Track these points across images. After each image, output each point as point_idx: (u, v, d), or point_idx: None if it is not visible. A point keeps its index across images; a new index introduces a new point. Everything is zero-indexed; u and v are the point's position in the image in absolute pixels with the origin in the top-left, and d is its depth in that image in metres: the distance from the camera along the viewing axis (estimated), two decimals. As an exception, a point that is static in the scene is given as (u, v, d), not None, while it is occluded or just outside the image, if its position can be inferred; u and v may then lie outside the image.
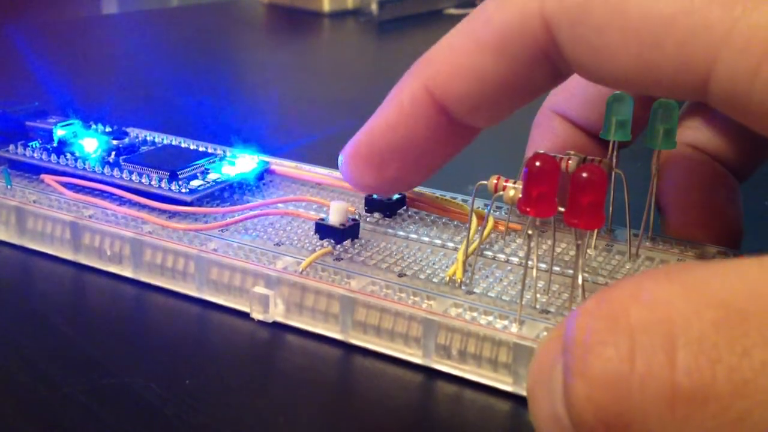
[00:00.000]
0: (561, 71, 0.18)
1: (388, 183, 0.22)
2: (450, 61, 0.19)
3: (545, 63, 0.18)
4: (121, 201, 0.26)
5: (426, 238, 0.24)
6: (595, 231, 0.24)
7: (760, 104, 0.14)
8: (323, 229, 0.23)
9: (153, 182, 0.26)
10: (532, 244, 0.21)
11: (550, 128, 0.26)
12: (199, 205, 0.26)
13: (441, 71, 0.19)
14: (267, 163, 0.29)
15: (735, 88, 0.15)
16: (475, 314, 0.20)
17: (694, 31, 0.15)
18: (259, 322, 0.22)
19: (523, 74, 0.18)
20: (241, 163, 0.28)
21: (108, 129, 0.31)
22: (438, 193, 0.27)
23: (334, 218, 0.23)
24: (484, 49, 0.18)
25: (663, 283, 0.12)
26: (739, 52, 0.14)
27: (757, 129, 0.15)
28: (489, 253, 0.24)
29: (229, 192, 0.27)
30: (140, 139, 0.31)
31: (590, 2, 0.16)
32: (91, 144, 0.29)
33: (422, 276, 0.22)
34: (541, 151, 0.19)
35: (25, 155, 0.29)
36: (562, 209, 0.19)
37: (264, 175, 0.29)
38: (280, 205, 0.26)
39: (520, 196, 0.19)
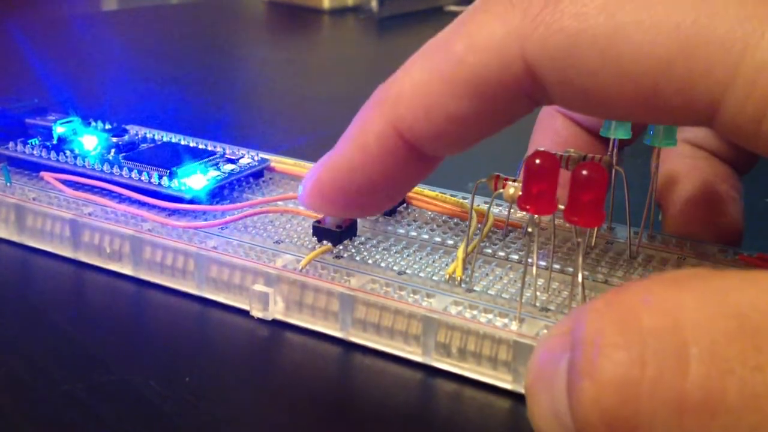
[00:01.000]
0: (542, 103, 0.18)
1: (350, 213, 0.22)
2: (420, 101, 0.18)
3: (525, 100, 0.17)
4: (121, 198, 0.26)
5: (426, 236, 0.24)
6: (595, 228, 0.24)
7: (767, 143, 0.14)
8: (320, 232, 0.23)
9: (152, 180, 0.26)
10: (532, 241, 0.20)
11: (553, 126, 0.26)
12: (199, 203, 0.26)
13: (410, 112, 0.18)
14: (267, 160, 0.29)
15: (740, 131, 0.14)
16: (474, 312, 0.20)
17: (694, 76, 0.14)
18: (259, 319, 0.22)
19: (501, 112, 0.18)
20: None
21: (108, 126, 0.31)
22: (438, 190, 0.27)
23: (330, 219, 0.23)
24: (459, 92, 0.17)
25: (674, 290, 0.12)
26: (744, 96, 0.14)
27: (764, 155, 0.15)
28: (489, 251, 0.24)
29: (228, 189, 0.27)
30: (140, 136, 0.31)
31: (577, 45, 0.15)
32: (90, 141, 0.29)
33: (422, 274, 0.22)
34: (541, 149, 0.19)
35: (24, 152, 0.29)
36: (562, 207, 0.19)
37: (263, 172, 0.29)
38: (279, 202, 0.26)
39: (520, 193, 0.19)
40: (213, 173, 0.27)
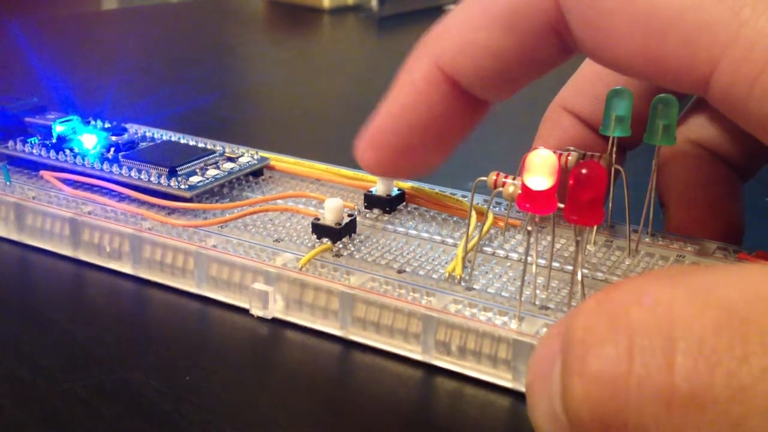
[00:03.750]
0: (570, 48, 0.18)
1: (408, 166, 0.21)
2: (459, 36, 0.19)
3: (555, 39, 0.18)
4: (121, 197, 0.26)
5: (425, 234, 0.24)
6: (595, 227, 0.24)
7: (757, 111, 0.14)
8: (320, 229, 0.23)
9: (152, 178, 0.26)
10: (532, 240, 0.20)
11: (558, 124, 0.26)
12: (199, 202, 0.26)
13: (451, 47, 0.19)
14: (266, 159, 0.29)
15: (734, 92, 0.15)
16: (474, 310, 0.20)
17: (700, 29, 0.15)
18: (259, 318, 0.22)
19: (534, 49, 0.18)
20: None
21: (107, 125, 0.31)
22: (437, 188, 0.27)
23: (329, 217, 0.23)
24: (494, 24, 0.18)
25: (665, 285, 0.12)
26: (741, 57, 0.14)
27: (753, 133, 0.15)
28: (488, 249, 0.24)
29: (228, 188, 0.27)
30: (139, 135, 0.31)
31: None
32: (90, 140, 0.29)
33: (422, 272, 0.22)
34: (541, 147, 0.19)
35: (24, 151, 0.29)
36: (561, 205, 0.19)
37: (263, 171, 0.29)
38: (279, 201, 0.26)
39: (520, 192, 0.19)
40: (212, 172, 0.27)
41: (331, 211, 0.23)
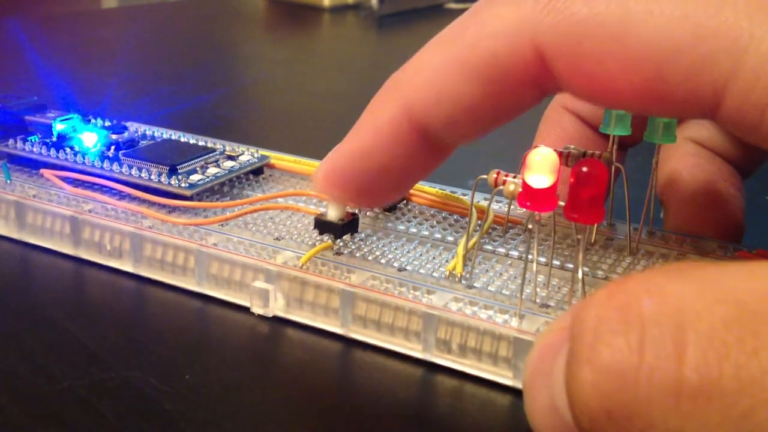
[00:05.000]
0: (550, 92, 0.18)
1: (364, 203, 0.22)
2: (432, 87, 0.18)
3: (535, 88, 0.17)
4: (121, 195, 0.26)
5: (426, 233, 0.24)
6: (595, 225, 0.24)
7: None
8: (322, 225, 0.24)
9: (152, 177, 0.26)
10: (532, 238, 0.20)
11: (559, 123, 0.26)
12: (199, 200, 0.26)
13: (422, 97, 0.18)
14: (267, 157, 0.29)
15: (744, 119, 0.14)
16: (475, 308, 0.20)
17: (700, 65, 0.14)
18: (260, 316, 0.22)
19: (511, 99, 0.18)
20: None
21: (107, 123, 0.31)
22: (438, 187, 0.27)
23: (332, 213, 0.23)
24: (470, 77, 0.17)
25: (676, 278, 0.12)
26: (748, 86, 0.14)
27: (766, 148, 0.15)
28: (489, 248, 0.24)
29: (228, 186, 0.27)
30: (139, 133, 0.31)
31: (587, 30, 0.16)
32: (90, 138, 0.29)
33: (422, 270, 0.22)
34: (541, 146, 0.19)
35: (24, 150, 0.29)
36: (562, 203, 0.19)
37: (263, 169, 0.29)
38: (280, 199, 0.26)
39: (520, 190, 0.19)
40: (213, 170, 0.27)
41: (334, 207, 0.23)
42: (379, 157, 0.19)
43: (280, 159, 0.29)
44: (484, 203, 0.25)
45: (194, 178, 0.26)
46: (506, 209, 0.25)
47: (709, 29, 0.14)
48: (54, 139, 0.29)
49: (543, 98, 0.18)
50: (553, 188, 0.19)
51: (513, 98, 0.18)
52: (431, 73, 0.18)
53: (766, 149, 0.15)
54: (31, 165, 0.28)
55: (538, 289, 0.21)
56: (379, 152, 0.19)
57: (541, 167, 0.18)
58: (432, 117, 0.18)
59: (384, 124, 0.19)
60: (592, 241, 0.24)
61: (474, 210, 0.23)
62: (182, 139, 0.30)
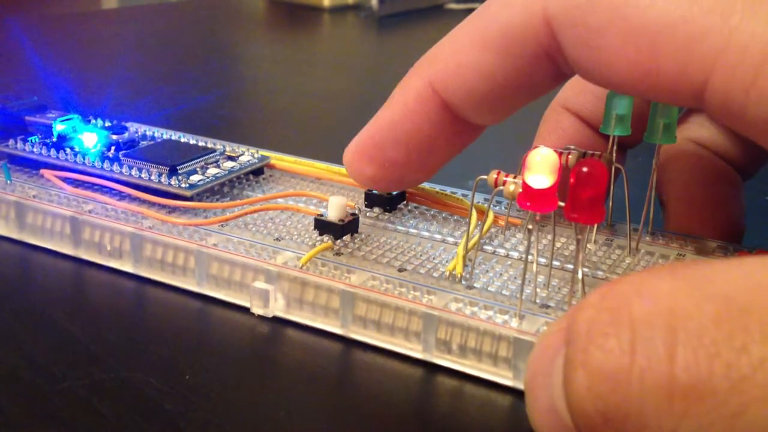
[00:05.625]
0: (563, 71, 0.18)
1: (391, 179, 0.22)
2: (454, 58, 0.19)
3: (548, 62, 0.18)
4: (121, 196, 0.26)
5: (426, 233, 0.24)
6: (595, 226, 0.24)
7: (755, 116, 0.14)
8: (322, 225, 0.24)
9: (153, 177, 0.26)
10: (532, 238, 0.20)
11: (559, 123, 0.26)
12: (199, 200, 0.26)
13: (445, 68, 0.19)
14: (267, 157, 0.29)
15: (730, 99, 0.15)
16: (475, 309, 0.20)
17: (691, 40, 0.15)
18: (260, 316, 0.22)
19: (526, 73, 0.18)
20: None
21: (107, 124, 0.31)
22: (438, 187, 0.27)
23: (332, 214, 0.23)
24: (488, 47, 0.18)
25: (666, 279, 0.12)
26: (735, 62, 0.14)
27: (753, 139, 0.15)
28: (489, 248, 0.24)
29: (229, 187, 0.27)
30: (140, 133, 0.31)
31: (592, 4, 0.16)
32: (90, 139, 0.29)
33: (422, 271, 0.22)
34: (541, 146, 0.19)
35: (24, 150, 0.29)
36: (562, 204, 0.19)
37: (264, 169, 0.29)
38: (280, 200, 0.26)
39: (520, 190, 0.19)
40: (213, 170, 0.27)
41: (334, 208, 0.23)
42: (407, 129, 0.20)
43: (280, 159, 0.29)
44: (484, 204, 0.25)
45: (194, 178, 0.26)
46: (506, 210, 0.25)
47: (702, 8, 0.15)
48: (54, 139, 0.29)
49: (557, 79, 0.19)
50: (553, 189, 0.19)
51: (528, 70, 0.18)
52: (454, 44, 0.19)
53: (759, 144, 0.15)
54: (32, 165, 0.28)
55: (538, 290, 0.21)
56: (407, 125, 0.20)
57: (541, 168, 0.18)
58: (453, 88, 0.19)
59: (411, 97, 0.20)
60: (593, 241, 0.24)
61: (474, 210, 0.23)
62: (182, 140, 0.30)
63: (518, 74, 0.18)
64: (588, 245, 0.24)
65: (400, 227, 0.25)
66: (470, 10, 0.20)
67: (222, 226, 0.25)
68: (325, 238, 0.23)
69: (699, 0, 0.15)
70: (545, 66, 0.18)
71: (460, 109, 0.20)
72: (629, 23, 0.16)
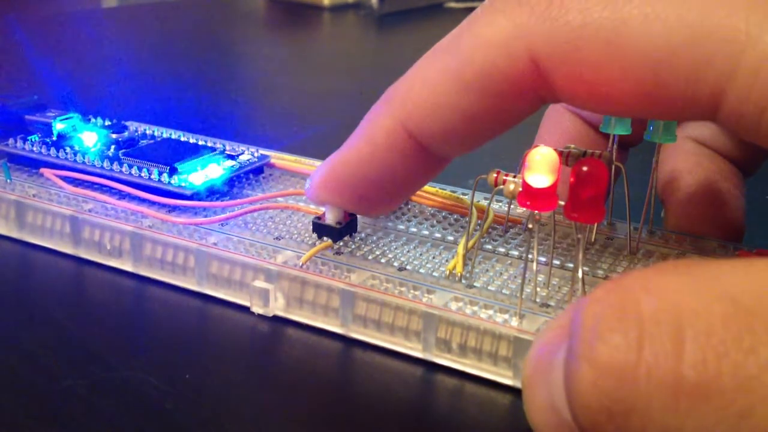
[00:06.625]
0: (548, 101, 0.18)
1: (356, 209, 0.22)
2: (428, 99, 0.18)
3: (532, 97, 0.17)
4: (121, 195, 0.26)
5: (426, 232, 0.24)
6: (595, 224, 0.24)
7: None
8: (320, 228, 0.23)
9: (153, 176, 0.26)
10: (532, 237, 0.20)
11: (559, 123, 0.26)
12: (199, 199, 0.26)
13: (419, 109, 0.18)
14: (267, 156, 0.29)
15: (744, 119, 0.15)
16: (475, 308, 0.20)
17: (698, 68, 0.14)
18: (260, 316, 0.22)
19: (508, 109, 0.18)
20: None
21: (107, 123, 0.31)
22: (438, 186, 0.27)
23: (330, 217, 0.23)
24: (466, 88, 0.17)
25: (673, 276, 0.12)
26: (747, 86, 0.14)
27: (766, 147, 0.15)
28: (489, 247, 0.24)
29: (228, 186, 0.27)
30: (139, 132, 0.31)
31: (581, 38, 0.16)
32: (90, 138, 0.29)
33: (422, 270, 0.22)
34: (542, 145, 0.19)
35: (24, 149, 0.29)
36: (562, 203, 0.19)
37: (263, 168, 0.29)
38: (280, 199, 0.26)
39: (521, 189, 0.19)
40: (213, 169, 0.27)
41: (331, 210, 0.23)
42: (375, 166, 0.20)
43: (280, 158, 0.29)
44: (484, 203, 0.25)
45: (194, 177, 0.26)
46: (506, 209, 0.25)
47: (705, 31, 0.14)
48: (54, 138, 0.29)
49: (541, 106, 0.18)
50: (553, 188, 0.19)
51: (510, 108, 0.18)
52: (427, 84, 0.18)
53: (766, 148, 0.15)
54: (31, 164, 0.28)
55: (538, 289, 0.21)
56: (375, 162, 0.20)
57: (541, 167, 0.18)
58: (428, 128, 0.18)
59: (380, 134, 0.19)
60: (593, 240, 0.24)
61: (474, 209, 0.23)
62: (182, 139, 0.30)
63: (500, 111, 0.18)
64: (588, 244, 0.24)
65: (400, 226, 0.25)
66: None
67: (222, 225, 0.24)
68: (325, 237, 0.23)
69: (699, 21, 0.14)
70: (530, 100, 0.18)
71: (434, 146, 0.19)
72: (627, 57, 0.15)
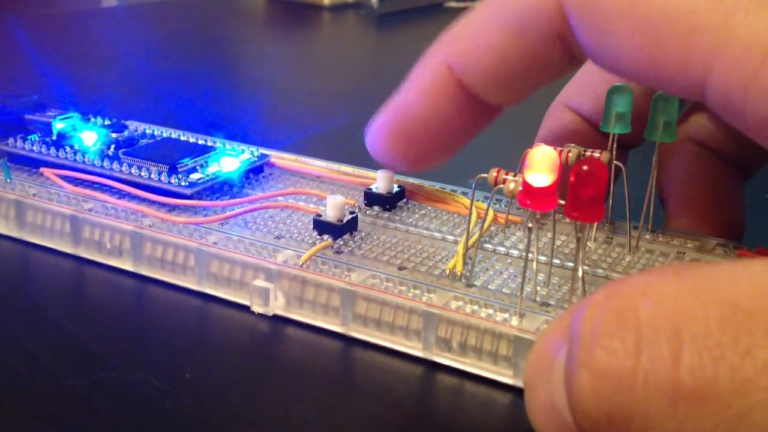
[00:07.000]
0: (576, 55, 0.19)
1: (413, 159, 0.22)
2: (470, 38, 0.19)
3: (561, 45, 0.18)
4: (121, 194, 0.26)
5: (426, 231, 0.24)
6: (596, 224, 0.24)
7: (753, 113, 0.14)
8: (321, 225, 0.23)
9: (152, 175, 0.26)
10: (532, 236, 0.20)
11: (560, 121, 0.26)
12: (199, 199, 0.26)
13: (461, 48, 0.20)
14: (267, 156, 0.29)
15: (729, 95, 0.15)
16: (475, 307, 0.20)
17: (695, 32, 0.15)
18: (260, 315, 0.22)
19: (540, 54, 0.19)
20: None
21: (107, 122, 0.31)
22: (438, 185, 0.27)
23: (331, 214, 0.23)
24: (503, 28, 0.19)
25: (671, 280, 0.12)
26: (735, 58, 0.14)
27: (752, 137, 0.15)
28: (489, 246, 0.24)
29: (228, 185, 0.27)
30: (139, 132, 0.31)
31: None
32: (90, 137, 0.29)
33: (422, 269, 0.22)
34: (542, 144, 0.19)
35: (24, 148, 0.29)
36: (562, 202, 0.19)
37: (263, 168, 0.29)
38: (280, 198, 0.26)
39: (521, 188, 0.19)
40: (213, 169, 0.27)
41: (332, 208, 0.23)
42: (425, 107, 0.21)
43: (280, 158, 0.29)
44: (485, 202, 0.25)
45: (194, 176, 0.26)
46: (506, 208, 0.25)
47: (709, 2, 0.15)
48: (54, 137, 0.29)
49: (570, 62, 0.19)
50: (553, 187, 0.19)
51: (541, 51, 0.19)
52: (471, 26, 0.20)
53: (757, 141, 0.15)
54: (31, 164, 0.28)
55: (538, 288, 0.21)
56: (424, 103, 0.20)
57: (542, 166, 0.18)
58: (468, 68, 0.19)
59: (428, 75, 0.20)
60: (593, 239, 0.24)
61: (474, 209, 0.23)
62: (182, 138, 0.30)
63: (531, 55, 0.19)
64: (588, 243, 0.24)
65: (400, 225, 0.25)
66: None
67: (222, 224, 0.24)
68: (325, 236, 0.23)
69: None
70: (558, 48, 0.19)
71: (476, 88, 0.20)
72: (638, 10, 0.16)
